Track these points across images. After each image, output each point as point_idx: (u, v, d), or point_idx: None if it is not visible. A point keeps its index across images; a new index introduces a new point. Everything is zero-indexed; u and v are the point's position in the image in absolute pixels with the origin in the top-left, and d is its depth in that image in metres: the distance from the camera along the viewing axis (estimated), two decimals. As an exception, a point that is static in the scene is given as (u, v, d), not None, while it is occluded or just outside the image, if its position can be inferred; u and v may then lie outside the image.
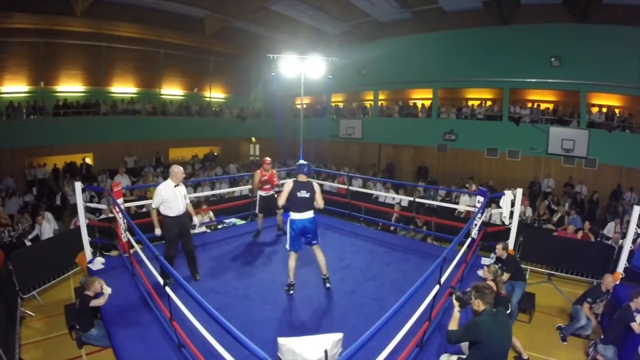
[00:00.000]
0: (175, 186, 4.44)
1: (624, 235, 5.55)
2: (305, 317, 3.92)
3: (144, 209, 7.69)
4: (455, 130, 13.23)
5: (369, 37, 14.80)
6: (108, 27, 12.98)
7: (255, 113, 18.67)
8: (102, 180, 11.36)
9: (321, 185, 9.09)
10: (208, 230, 7.15)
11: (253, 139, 18.31)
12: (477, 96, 14.13)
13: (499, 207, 6.05)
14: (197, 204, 7.78)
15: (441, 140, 13.56)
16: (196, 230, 6.99)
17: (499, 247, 4.85)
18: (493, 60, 12.18)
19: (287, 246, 4.24)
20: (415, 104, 15.04)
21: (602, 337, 4.10)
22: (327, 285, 4.42)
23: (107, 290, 4.00)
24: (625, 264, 5.03)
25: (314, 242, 4.27)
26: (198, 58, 16.36)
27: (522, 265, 6.15)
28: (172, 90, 16.60)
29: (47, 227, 6.75)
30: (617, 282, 4.88)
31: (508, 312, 3.89)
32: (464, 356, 3.06)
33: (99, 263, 5.06)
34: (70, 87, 13.70)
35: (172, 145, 15.70)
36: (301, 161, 7.79)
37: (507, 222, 5.83)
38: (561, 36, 10.97)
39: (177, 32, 14.11)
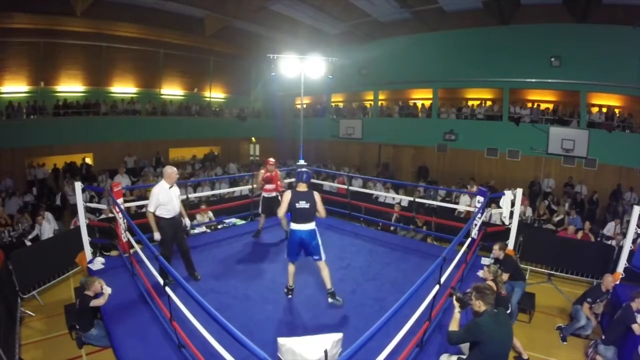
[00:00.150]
0: (169, 187, 4.45)
1: (624, 236, 5.55)
2: (305, 317, 3.92)
3: (144, 209, 7.69)
4: (455, 130, 13.23)
5: (369, 37, 14.81)
6: (108, 27, 12.98)
7: (255, 113, 18.68)
8: (102, 180, 11.36)
9: (321, 186, 9.18)
10: (208, 230, 7.15)
11: (253, 139, 18.31)
12: (477, 96, 14.13)
13: (499, 207, 6.05)
14: (197, 204, 7.80)
15: (441, 140, 13.57)
16: (196, 230, 7.01)
17: (496, 247, 4.85)
18: (493, 60, 12.19)
19: (285, 255, 4.16)
20: (415, 104, 15.04)
21: (602, 337, 4.10)
22: (330, 300, 4.08)
23: (107, 290, 4.01)
24: (625, 264, 5.02)
25: (315, 257, 4.02)
26: (198, 58, 16.36)
27: (522, 265, 6.18)
28: (172, 90, 16.60)
29: (47, 227, 6.75)
30: (617, 282, 4.87)
31: (508, 312, 3.89)
32: (464, 356, 3.06)
33: (99, 263, 5.07)
34: (70, 87, 13.70)
35: (172, 145, 15.70)
36: (301, 163, 7.87)
37: (507, 222, 5.83)
38: (561, 36, 10.97)
39: (177, 32, 14.11)
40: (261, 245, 6.08)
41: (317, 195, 4.03)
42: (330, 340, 2.47)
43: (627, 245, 4.98)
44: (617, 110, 11.36)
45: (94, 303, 3.90)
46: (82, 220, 5.16)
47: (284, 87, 14.45)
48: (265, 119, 18.38)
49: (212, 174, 12.72)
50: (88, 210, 5.72)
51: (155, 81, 15.86)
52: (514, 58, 11.79)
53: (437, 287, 3.27)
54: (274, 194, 6.09)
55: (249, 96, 19.35)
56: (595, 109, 11.71)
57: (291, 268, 4.20)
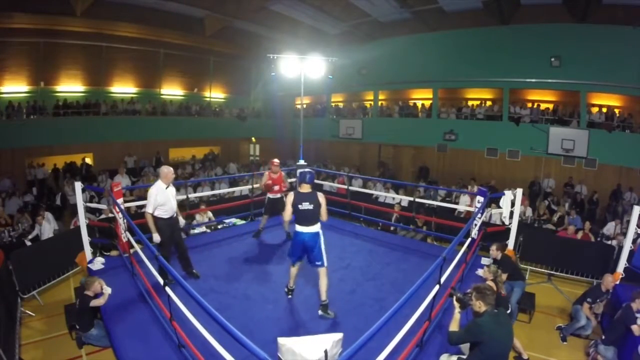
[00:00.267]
0: (166, 187, 4.46)
1: (625, 236, 5.55)
2: (306, 317, 3.92)
3: (144, 210, 7.69)
4: (455, 130, 13.23)
5: (369, 37, 14.80)
6: (108, 27, 12.99)
7: (255, 113, 18.67)
8: (102, 180, 11.36)
9: (321, 186, 9.17)
10: (208, 230, 7.15)
11: (253, 139, 18.31)
12: (477, 96, 14.13)
13: (499, 207, 6.05)
14: (197, 204, 7.80)
15: (441, 140, 13.56)
16: (196, 230, 7.01)
17: (493, 248, 4.86)
18: (493, 60, 12.18)
19: (288, 255, 4.15)
20: (415, 104, 15.04)
21: (602, 337, 4.10)
22: (320, 312, 3.88)
23: (107, 290, 4.01)
24: (625, 264, 5.02)
25: (317, 262, 3.88)
26: (198, 58, 16.36)
27: (522, 265, 6.19)
28: (172, 90, 16.60)
29: (47, 227, 6.75)
30: (617, 282, 4.87)
31: (508, 312, 3.89)
32: (464, 356, 3.06)
33: (99, 263, 5.07)
34: (70, 87, 13.70)
35: (172, 145, 15.70)
36: (301, 163, 7.87)
37: (507, 222, 5.83)
38: (561, 36, 10.97)
39: (177, 32, 14.12)
40: (261, 245, 6.07)
41: (321, 197, 3.90)
42: (330, 340, 2.47)
43: (627, 245, 4.97)
44: (617, 110, 11.36)
45: (94, 303, 3.91)
46: (82, 220, 5.16)
47: (284, 87, 14.45)
48: (265, 119, 18.37)
49: (212, 174, 12.72)
50: (88, 210, 5.72)
51: (155, 81, 15.86)
52: (514, 58, 11.79)
53: (437, 287, 3.27)
54: (279, 195, 6.05)
55: (249, 96, 19.35)
56: (595, 109, 11.70)
57: (293, 270, 4.18)
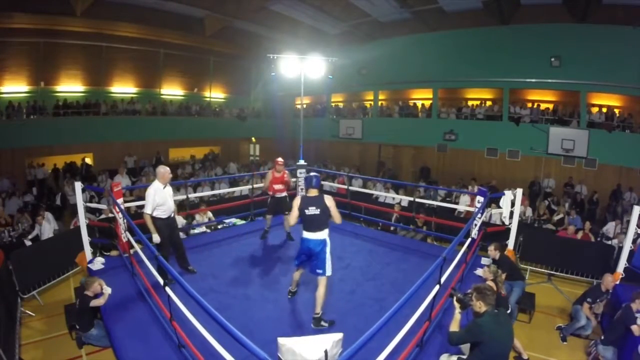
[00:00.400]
0: (163, 187, 4.48)
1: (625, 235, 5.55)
2: (306, 317, 3.91)
3: (143, 210, 7.69)
4: (455, 130, 13.23)
5: (369, 37, 14.80)
6: (108, 27, 12.98)
7: (255, 113, 18.67)
8: (102, 180, 11.36)
9: (321, 185, 9.14)
10: (208, 230, 7.15)
11: (253, 139, 18.31)
12: (477, 96, 14.13)
13: (499, 207, 6.05)
14: (197, 204, 7.79)
15: (441, 140, 13.56)
16: (196, 230, 7.01)
17: (491, 248, 4.87)
18: (493, 60, 12.18)
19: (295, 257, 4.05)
20: (415, 104, 15.04)
21: (602, 337, 4.10)
22: (314, 327, 3.68)
23: (107, 290, 4.01)
24: (625, 264, 5.02)
25: (318, 271, 3.70)
26: (198, 58, 16.35)
27: (522, 265, 6.19)
28: (172, 90, 16.59)
29: (47, 227, 6.75)
30: (617, 282, 4.87)
31: (508, 312, 3.90)
32: (464, 356, 3.06)
33: (99, 263, 5.07)
34: (70, 87, 13.70)
35: (172, 145, 15.70)
36: (301, 162, 7.86)
37: (507, 222, 5.83)
38: (561, 36, 10.97)
39: (177, 32, 14.11)
40: (262, 245, 6.07)
41: (329, 200, 3.75)
42: (330, 340, 2.47)
43: (627, 245, 4.97)
44: (617, 110, 11.36)
45: (94, 303, 3.91)
46: (82, 220, 5.16)
47: (284, 87, 14.45)
48: (265, 119, 18.37)
49: (212, 174, 12.72)
50: (88, 210, 5.72)
51: (155, 81, 15.86)
52: (514, 58, 11.79)
53: (437, 287, 3.27)
54: (283, 194, 6.02)
55: (249, 96, 19.35)
56: (595, 109, 11.70)
57: (296, 274, 4.17)
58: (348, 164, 14.91)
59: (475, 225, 5.50)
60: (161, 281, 3.33)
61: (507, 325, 2.95)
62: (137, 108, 14.72)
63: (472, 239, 5.44)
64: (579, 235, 6.97)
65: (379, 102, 15.93)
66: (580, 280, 6.08)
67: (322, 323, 3.70)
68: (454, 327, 2.97)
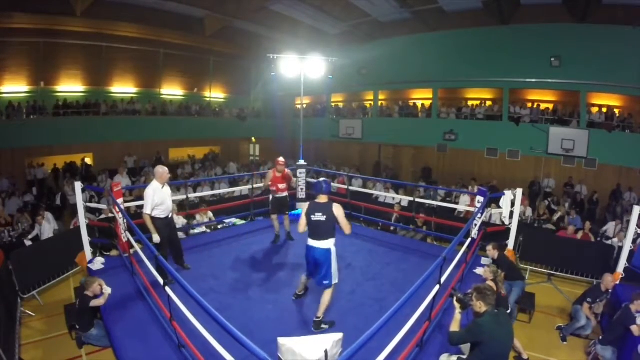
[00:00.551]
0: (162, 187, 4.49)
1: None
2: (306, 317, 3.92)
3: (143, 210, 7.70)
4: (455, 130, 13.23)
5: (369, 37, 14.80)
6: (108, 27, 12.99)
7: (255, 113, 18.67)
8: (102, 180, 11.36)
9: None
10: (208, 230, 7.15)
11: (253, 139, 18.32)
12: (477, 96, 14.13)
13: (499, 207, 6.04)
14: (197, 204, 7.79)
15: (441, 140, 13.56)
16: (196, 230, 7.01)
17: (490, 247, 4.87)
18: (493, 60, 12.18)
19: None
20: (415, 104, 15.04)
21: (600, 337, 4.10)
22: (313, 329, 3.63)
23: (107, 290, 4.01)
24: (625, 264, 5.02)
25: (324, 282, 3.62)
26: (198, 58, 16.36)
27: (522, 265, 6.19)
28: (172, 90, 16.60)
29: (47, 227, 6.75)
30: (617, 282, 4.87)
31: (508, 312, 3.90)
32: (464, 356, 3.06)
33: (99, 263, 5.07)
34: (70, 87, 13.70)
35: (172, 145, 15.71)
36: (301, 162, 7.86)
37: (507, 222, 5.83)
38: (561, 36, 10.97)
39: (177, 32, 14.12)
40: (262, 245, 6.06)
41: (337, 208, 3.62)
42: (330, 340, 2.47)
43: (627, 245, 4.97)
44: (617, 110, 11.36)
45: (94, 303, 3.91)
46: (82, 220, 5.16)
47: (284, 87, 14.45)
48: (265, 119, 18.37)
49: (212, 174, 12.72)
50: (88, 210, 5.72)
51: (155, 81, 15.86)
52: (514, 58, 11.79)
53: (437, 287, 3.27)
54: (285, 193, 6.00)
55: (249, 96, 19.35)
56: (595, 109, 11.70)
57: (303, 277, 4.17)
58: (348, 164, 14.91)
59: (475, 225, 5.50)
60: (161, 281, 3.34)
61: (507, 325, 2.95)
62: (137, 108, 14.72)
63: (472, 239, 5.44)
64: (579, 235, 6.96)
65: (379, 102, 15.93)
66: (580, 280, 6.08)
67: (323, 326, 3.69)
68: (455, 327, 2.97)
